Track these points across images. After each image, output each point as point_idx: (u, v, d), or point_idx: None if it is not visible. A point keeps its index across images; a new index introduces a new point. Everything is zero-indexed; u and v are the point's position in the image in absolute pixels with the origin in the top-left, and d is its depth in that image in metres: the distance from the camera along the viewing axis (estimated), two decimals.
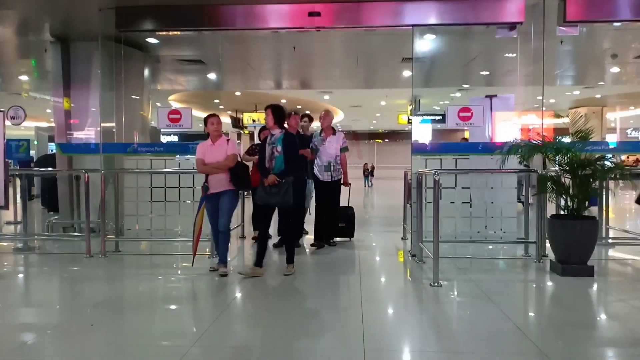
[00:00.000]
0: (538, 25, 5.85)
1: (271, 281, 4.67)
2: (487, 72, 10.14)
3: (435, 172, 4.75)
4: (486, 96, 8.27)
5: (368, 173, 23.63)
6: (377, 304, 4.00)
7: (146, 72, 8.20)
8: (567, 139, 5.30)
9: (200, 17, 6.15)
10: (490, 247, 6.14)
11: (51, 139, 12.17)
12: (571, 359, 2.91)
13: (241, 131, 20.39)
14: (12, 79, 10.76)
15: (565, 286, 4.47)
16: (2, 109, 5.08)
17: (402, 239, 7.01)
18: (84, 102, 7.39)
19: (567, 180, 5.00)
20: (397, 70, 9.78)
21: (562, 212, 5.08)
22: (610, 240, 6.44)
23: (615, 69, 10.26)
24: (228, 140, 4.93)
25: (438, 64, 8.84)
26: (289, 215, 4.90)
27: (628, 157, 13.72)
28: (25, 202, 6.79)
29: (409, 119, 16.26)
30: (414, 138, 6.13)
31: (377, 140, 34.23)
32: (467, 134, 9.75)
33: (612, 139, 19.78)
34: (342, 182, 6.30)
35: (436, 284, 4.37)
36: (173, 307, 4.07)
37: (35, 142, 12.87)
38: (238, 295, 4.23)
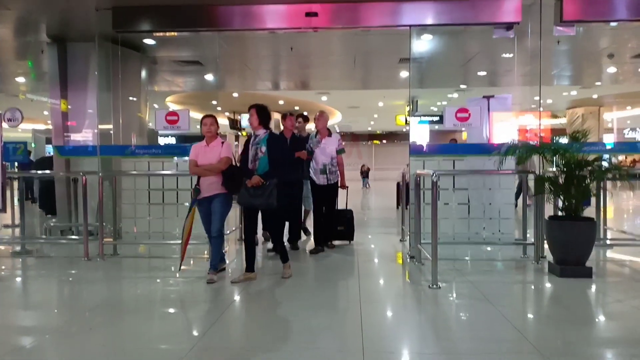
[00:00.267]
0: (535, 25, 5.86)
1: (268, 284, 4.65)
2: (484, 73, 10.15)
3: (434, 173, 4.74)
4: (483, 97, 8.28)
5: (365, 174, 23.65)
6: (376, 305, 3.99)
7: (143, 73, 8.19)
8: (564, 140, 5.31)
9: (197, 18, 6.14)
10: (489, 248, 6.14)
11: (48, 141, 12.13)
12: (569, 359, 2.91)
13: (239, 132, 20.38)
14: (9, 80, 10.72)
15: (563, 287, 4.47)
16: None
17: (400, 240, 7.01)
18: (81, 103, 7.38)
19: (564, 181, 5.00)
20: (394, 70, 9.79)
21: (560, 214, 5.09)
22: (608, 242, 6.45)
23: (612, 69, 10.29)
24: (223, 142, 4.83)
25: (435, 65, 8.85)
26: (273, 217, 4.81)
27: (626, 158, 13.76)
28: (23, 205, 6.76)
29: (406, 120, 16.28)
30: (411, 139, 6.13)
31: (375, 142, 34.20)
32: (464, 135, 9.76)
33: (609, 139, 19.81)
34: (339, 184, 6.21)
35: (435, 286, 4.36)
36: (171, 310, 4.06)
37: (33, 145, 12.83)
38: (236, 298, 4.22)
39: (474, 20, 5.92)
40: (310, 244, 6.49)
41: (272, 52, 8.67)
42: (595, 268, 4.86)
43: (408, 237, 6.15)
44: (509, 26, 5.90)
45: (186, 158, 6.15)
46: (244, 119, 17.64)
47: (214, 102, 15.11)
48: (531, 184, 5.44)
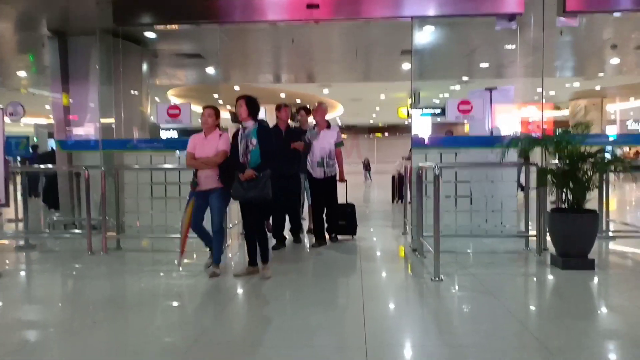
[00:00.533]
0: (537, 16, 5.83)
1: (271, 278, 4.66)
2: (487, 64, 10.10)
3: (436, 166, 4.73)
4: (486, 88, 8.25)
5: (368, 167, 23.64)
6: (378, 298, 4.00)
7: (144, 66, 8.18)
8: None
9: (198, 11, 6.11)
10: (491, 241, 6.13)
11: (51, 136, 12.14)
12: (572, 352, 2.92)
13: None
14: (10, 74, 10.73)
15: (566, 279, 4.47)
16: (0, 106, 5.06)
17: (402, 233, 7.01)
18: (82, 97, 7.38)
19: (567, 173, 4.98)
20: (396, 62, 9.75)
21: (562, 206, 5.08)
22: (610, 234, 6.43)
23: (615, 60, 10.23)
24: (221, 134, 4.68)
25: (437, 56, 8.80)
26: (264, 210, 4.70)
27: (630, 149, 13.71)
28: (27, 200, 6.78)
29: (408, 113, 16.23)
30: (413, 132, 6.11)
31: (377, 135, 34.16)
32: (467, 128, 9.73)
33: (612, 130, 19.74)
34: (337, 178, 6.08)
35: (437, 279, 4.37)
36: (175, 303, 4.07)
37: (35, 139, 12.84)
38: (239, 292, 4.24)
39: (477, 11, 5.88)
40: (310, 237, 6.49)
41: (274, 45, 8.65)
42: (598, 260, 4.86)
43: (410, 230, 6.14)
44: (511, 17, 5.85)
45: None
46: None
47: (216, 96, 15.08)
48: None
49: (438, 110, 13.75)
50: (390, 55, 9.10)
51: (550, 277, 4.64)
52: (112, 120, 6.92)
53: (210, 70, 10.22)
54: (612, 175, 5.97)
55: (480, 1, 5.82)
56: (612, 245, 6.06)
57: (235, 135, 4.62)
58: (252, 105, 4.56)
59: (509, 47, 7.88)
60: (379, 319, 3.47)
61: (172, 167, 6.27)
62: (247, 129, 4.53)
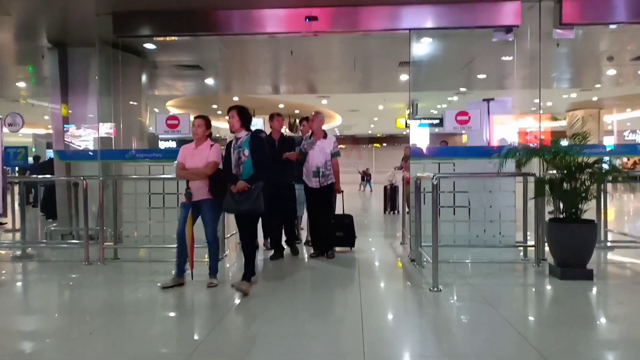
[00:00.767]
0: (534, 28, 5.88)
1: (269, 288, 4.65)
2: (484, 76, 10.17)
3: (434, 176, 4.74)
4: (483, 99, 8.29)
5: (368, 178, 23.68)
6: (376, 309, 3.98)
7: (144, 77, 8.21)
8: (564, 142, 5.32)
9: (197, 22, 6.16)
10: (489, 251, 6.12)
11: (49, 146, 12.14)
12: None
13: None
14: (10, 85, 10.76)
15: (564, 290, 4.46)
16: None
17: (401, 243, 7.00)
18: (81, 108, 7.40)
19: (564, 183, 5.00)
20: (394, 74, 9.80)
21: (560, 216, 5.08)
22: (609, 244, 6.44)
23: (611, 72, 10.30)
24: (212, 145, 4.63)
25: (435, 68, 8.86)
26: (252, 222, 4.57)
27: (628, 160, 13.77)
28: (24, 210, 6.77)
29: (406, 123, 16.30)
30: (412, 142, 6.13)
31: (375, 145, 34.23)
32: (465, 138, 9.77)
33: (609, 141, 19.83)
34: (333, 188, 5.88)
35: (436, 289, 4.36)
36: (172, 314, 4.05)
37: (34, 149, 12.86)
38: (237, 302, 4.21)
39: (474, 23, 5.93)
40: (308, 249, 6.46)
41: (272, 56, 8.69)
42: (596, 270, 4.86)
43: (409, 240, 6.13)
44: (508, 29, 5.91)
45: None
46: None
47: (215, 106, 15.14)
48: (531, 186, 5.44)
49: (436, 121, 13.82)
50: (388, 66, 9.15)
51: (548, 287, 4.63)
52: (111, 130, 6.93)
53: (210, 81, 10.27)
54: (610, 186, 5.99)
55: (477, 14, 5.88)
56: (611, 256, 6.06)
57: (228, 146, 4.57)
58: (244, 115, 4.52)
59: (506, 58, 7.94)
60: (377, 329, 3.45)
61: (170, 177, 6.26)
62: (239, 140, 4.49)
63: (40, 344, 3.25)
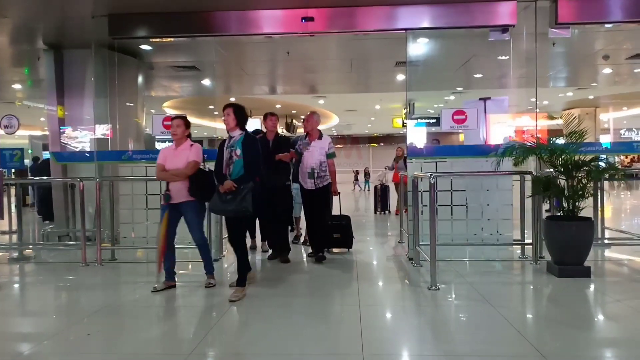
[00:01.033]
0: (530, 28, 5.90)
1: (267, 289, 4.65)
2: (481, 75, 10.19)
3: (431, 175, 4.75)
4: (480, 99, 8.32)
5: (367, 177, 23.77)
6: (374, 308, 3.99)
7: (140, 78, 8.19)
8: (561, 140, 5.34)
9: (193, 24, 6.15)
10: (487, 249, 6.14)
11: (45, 148, 12.12)
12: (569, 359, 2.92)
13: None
14: (5, 87, 10.72)
15: (562, 287, 4.48)
16: None
17: (399, 242, 7.01)
18: (78, 110, 7.38)
19: (561, 181, 5.02)
20: (391, 74, 9.82)
21: (557, 213, 5.10)
22: (606, 241, 6.47)
23: (607, 70, 10.34)
24: (192, 145, 4.53)
25: (432, 68, 8.87)
26: (243, 225, 4.42)
27: (626, 157, 13.83)
28: (20, 211, 6.75)
29: (403, 123, 16.31)
30: (409, 141, 6.14)
31: (372, 144, 34.28)
32: (462, 137, 9.79)
33: (605, 139, 19.91)
34: (330, 189, 5.75)
35: (434, 287, 4.37)
36: (170, 315, 4.05)
37: (29, 151, 12.82)
38: (234, 302, 4.20)
39: (470, 23, 5.95)
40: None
41: (269, 57, 8.69)
42: (594, 268, 4.88)
43: (406, 238, 6.14)
44: (504, 29, 5.92)
45: None
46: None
47: (211, 107, 15.14)
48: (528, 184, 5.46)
49: (432, 120, 13.82)
50: (385, 66, 9.16)
51: (546, 284, 4.64)
52: (107, 131, 6.92)
53: (206, 82, 10.26)
54: (606, 183, 6.00)
55: (473, 14, 5.89)
56: (608, 253, 6.09)
57: (221, 145, 4.48)
58: (240, 114, 4.39)
59: (502, 58, 7.96)
60: (375, 328, 3.46)
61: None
62: (232, 139, 4.38)
63: (38, 345, 3.24)
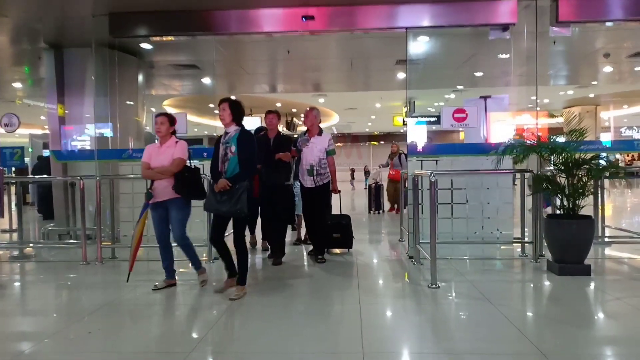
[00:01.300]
0: (531, 26, 5.90)
1: (266, 287, 4.65)
2: (481, 73, 10.19)
3: (432, 173, 4.74)
4: (480, 97, 8.31)
5: (368, 175, 23.80)
6: (375, 306, 3.99)
7: (140, 77, 8.20)
8: (561, 139, 5.34)
9: (194, 22, 6.16)
10: (487, 247, 6.14)
11: (46, 146, 12.12)
12: (569, 358, 2.92)
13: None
14: (6, 86, 10.73)
15: (562, 285, 4.48)
16: None
17: (399, 240, 7.01)
18: (78, 108, 7.39)
19: (562, 179, 5.02)
20: (391, 72, 9.82)
21: (558, 212, 5.10)
22: (606, 239, 6.47)
23: (608, 68, 10.33)
24: (177, 142, 4.44)
25: (432, 66, 8.87)
26: (241, 224, 4.27)
27: (628, 155, 13.82)
28: (21, 210, 6.75)
29: (404, 121, 16.30)
30: (409, 140, 6.14)
31: (372, 143, 34.29)
32: (462, 135, 9.78)
33: (606, 137, 19.90)
34: (330, 187, 5.64)
35: (434, 286, 4.37)
36: (170, 313, 4.05)
37: (30, 150, 12.82)
38: (234, 300, 4.21)
39: (470, 21, 5.95)
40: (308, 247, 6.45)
41: (269, 56, 8.70)
42: (594, 266, 4.88)
43: (407, 237, 6.14)
44: (505, 27, 5.93)
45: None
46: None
47: (211, 105, 15.14)
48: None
49: (433, 119, 13.81)
50: (385, 65, 9.16)
51: (546, 283, 4.64)
52: (107, 130, 6.93)
53: (206, 80, 10.26)
54: (607, 181, 6.00)
55: (474, 12, 5.89)
56: (608, 251, 6.09)
57: (217, 142, 4.36)
58: (236, 109, 4.22)
59: (503, 56, 7.96)
60: (376, 327, 3.46)
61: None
62: (228, 135, 4.22)
63: (38, 344, 3.24)
